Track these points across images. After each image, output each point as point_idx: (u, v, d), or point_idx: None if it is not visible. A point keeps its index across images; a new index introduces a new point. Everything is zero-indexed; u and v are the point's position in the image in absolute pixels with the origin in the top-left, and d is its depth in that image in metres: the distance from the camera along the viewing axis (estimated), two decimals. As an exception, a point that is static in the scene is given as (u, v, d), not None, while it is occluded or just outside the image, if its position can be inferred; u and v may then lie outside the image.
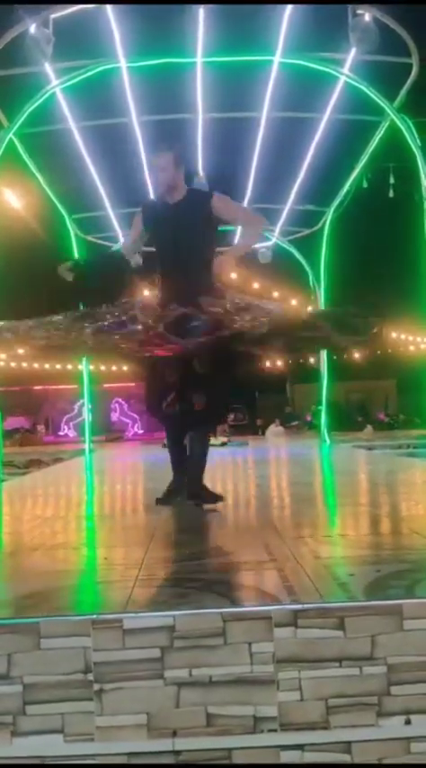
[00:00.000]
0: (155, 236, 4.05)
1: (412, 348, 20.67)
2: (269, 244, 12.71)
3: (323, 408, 12.59)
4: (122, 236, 11.65)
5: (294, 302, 13.02)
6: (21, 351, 3.92)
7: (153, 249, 4.13)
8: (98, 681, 1.80)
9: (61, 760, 1.77)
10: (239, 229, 4.74)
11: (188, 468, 3.97)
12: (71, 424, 24.53)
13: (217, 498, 3.91)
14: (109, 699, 1.79)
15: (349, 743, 1.79)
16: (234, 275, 3.90)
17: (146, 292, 4.27)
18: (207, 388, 3.75)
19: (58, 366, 17.18)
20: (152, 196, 9.32)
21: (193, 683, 1.80)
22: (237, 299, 3.78)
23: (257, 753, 1.78)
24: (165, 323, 3.50)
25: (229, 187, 9.73)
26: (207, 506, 3.80)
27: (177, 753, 1.77)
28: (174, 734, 1.78)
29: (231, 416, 22.61)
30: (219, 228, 4.05)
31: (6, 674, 1.80)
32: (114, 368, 15.97)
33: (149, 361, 3.88)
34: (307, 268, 12.54)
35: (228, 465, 8.09)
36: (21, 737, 1.78)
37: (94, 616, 1.85)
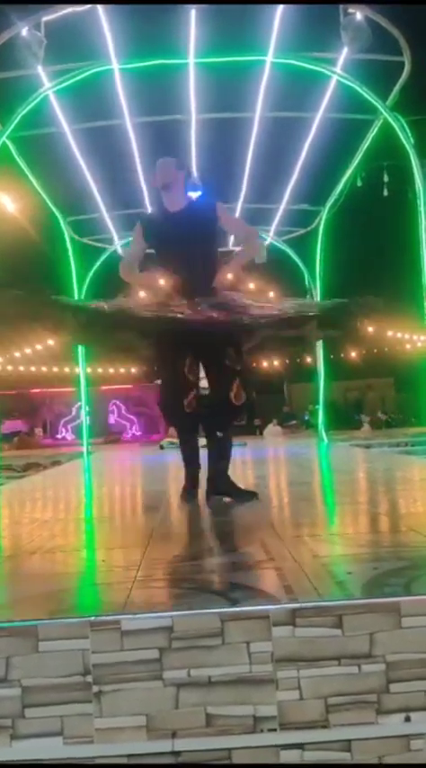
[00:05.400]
0: (159, 247, 4.06)
1: (408, 346, 20.70)
2: (264, 244, 12.71)
3: (321, 407, 12.61)
4: (117, 238, 11.67)
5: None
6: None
7: (148, 251, 4.17)
8: (97, 683, 1.79)
9: (61, 762, 1.77)
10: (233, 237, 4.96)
11: (213, 465, 4.04)
12: (69, 426, 24.49)
13: (251, 495, 4.03)
14: (108, 700, 1.79)
15: (349, 741, 1.79)
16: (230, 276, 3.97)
17: (142, 294, 4.28)
18: (223, 382, 3.89)
19: (55, 369, 17.19)
20: (148, 203, 9.37)
21: (192, 684, 1.80)
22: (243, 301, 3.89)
23: (257, 752, 1.78)
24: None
25: (224, 188, 9.76)
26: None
27: (177, 753, 1.77)
28: (174, 735, 1.77)
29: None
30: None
31: (5, 678, 1.80)
32: (111, 370, 15.96)
33: (169, 360, 3.95)
34: (303, 267, 12.56)
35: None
36: (20, 740, 1.78)
37: (92, 618, 1.85)
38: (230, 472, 4.14)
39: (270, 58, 7.21)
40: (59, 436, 24.75)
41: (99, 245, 12.17)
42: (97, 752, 1.77)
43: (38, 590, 2.23)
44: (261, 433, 18.39)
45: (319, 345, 11.65)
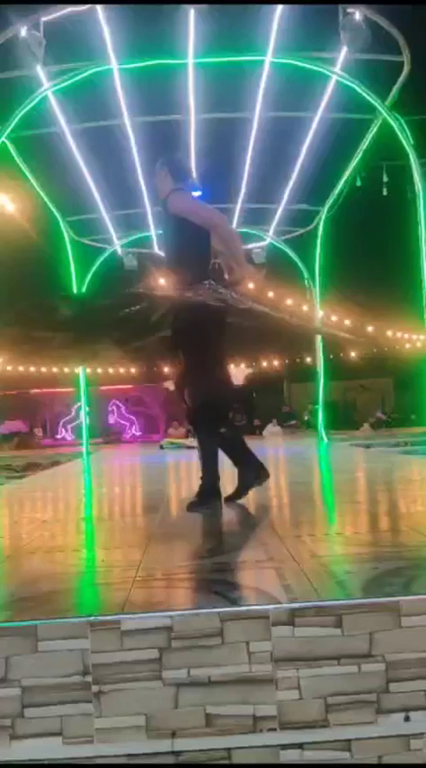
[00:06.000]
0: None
1: (408, 346, 20.68)
2: (263, 243, 12.73)
3: (321, 407, 12.61)
4: (117, 238, 11.67)
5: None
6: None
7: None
8: (96, 682, 1.79)
9: (60, 762, 1.77)
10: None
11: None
12: (68, 427, 24.47)
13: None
14: (107, 700, 1.79)
15: (348, 741, 1.79)
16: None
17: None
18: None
19: (55, 370, 17.14)
20: (147, 202, 9.36)
21: (192, 684, 1.80)
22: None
23: (257, 752, 1.78)
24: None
25: (223, 188, 9.77)
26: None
27: (177, 753, 1.77)
28: (174, 734, 1.77)
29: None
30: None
31: (5, 678, 1.80)
32: (111, 370, 15.93)
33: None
34: (302, 267, 12.56)
35: (226, 465, 8.08)
36: (20, 740, 1.78)
37: (92, 618, 1.85)
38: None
39: (269, 58, 7.21)
40: (59, 436, 24.72)
41: (98, 245, 12.17)
42: (97, 752, 1.77)
43: (38, 590, 2.23)
44: (260, 433, 18.38)
45: (319, 345, 11.65)
